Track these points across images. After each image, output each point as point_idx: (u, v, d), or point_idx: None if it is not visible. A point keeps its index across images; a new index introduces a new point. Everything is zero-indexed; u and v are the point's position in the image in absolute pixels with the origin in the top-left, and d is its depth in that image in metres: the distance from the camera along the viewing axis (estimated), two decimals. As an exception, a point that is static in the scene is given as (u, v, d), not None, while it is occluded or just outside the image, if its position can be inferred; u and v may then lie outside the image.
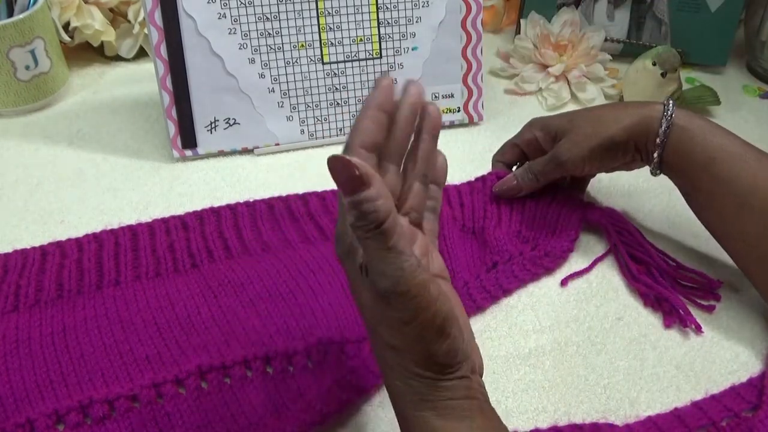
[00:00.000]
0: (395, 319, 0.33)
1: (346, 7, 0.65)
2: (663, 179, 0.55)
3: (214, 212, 0.58)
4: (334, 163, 0.31)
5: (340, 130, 0.69)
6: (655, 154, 0.52)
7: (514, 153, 0.61)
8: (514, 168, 0.62)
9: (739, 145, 0.50)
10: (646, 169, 0.54)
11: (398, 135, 0.38)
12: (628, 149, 0.53)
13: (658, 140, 0.51)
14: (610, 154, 0.54)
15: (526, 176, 0.58)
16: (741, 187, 0.49)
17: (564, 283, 0.55)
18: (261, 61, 0.64)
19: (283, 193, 0.61)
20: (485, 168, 0.63)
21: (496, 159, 0.62)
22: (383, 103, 0.36)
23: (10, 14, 0.68)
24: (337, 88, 0.67)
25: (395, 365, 0.35)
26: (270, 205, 0.59)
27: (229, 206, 0.59)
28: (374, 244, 0.32)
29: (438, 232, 0.43)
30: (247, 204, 0.59)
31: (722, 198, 0.50)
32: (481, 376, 0.39)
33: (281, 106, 0.66)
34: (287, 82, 0.66)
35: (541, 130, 0.57)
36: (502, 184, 0.59)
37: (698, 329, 0.51)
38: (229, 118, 0.65)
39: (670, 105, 0.52)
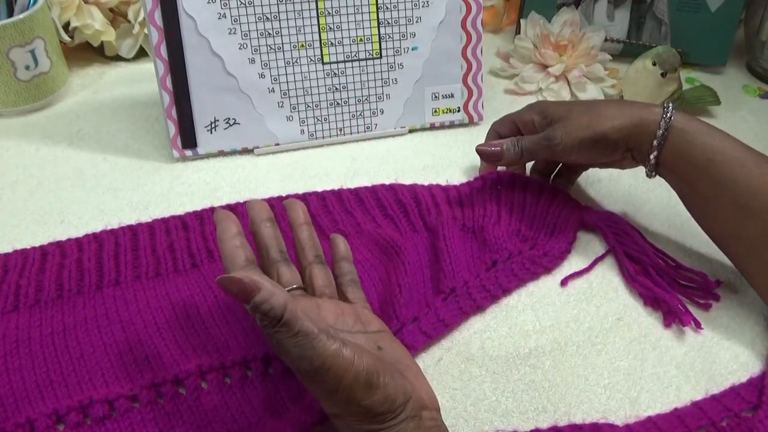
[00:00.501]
0: (325, 391, 0.36)
1: (346, 7, 0.65)
2: (663, 179, 0.55)
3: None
4: (223, 284, 0.35)
5: (340, 130, 0.69)
6: (652, 156, 0.52)
7: (511, 128, 0.61)
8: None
9: (738, 148, 0.50)
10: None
11: (267, 242, 0.46)
12: (618, 148, 0.54)
13: (654, 142, 0.52)
14: (599, 149, 0.54)
15: (512, 148, 0.58)
16: (739, 190, 0.49)
17: (564, 283, 0.55)
18: (261, 61, 0.64)
19: (283, 193, 0.61)
20: (485, 168, 0.63)
21: (493, 127, 0.63)
22: (232, 231, 0.43)
23: (10, 14, 0.68)
24: (337, 88, 0.67)
25: (343, 429, 0.38)
26: (270, 205, 0.59)
27: (229, 206, 0.59)
28: (283, 335, 0.35)
29: (365, 297, 0.47)
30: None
31: (720, 200, 0.50)
32: (438, 410, 0.40)
33: (281, 106, 0.66)
34: (287, 82, 0.66)
35: (538, 115, 0.58)
36: (486, 146, 0.59)
37: (697, 325, 0.51)
38: (229, 118, 0.65)
39: (670, 108, 0.52)
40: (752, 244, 0.49)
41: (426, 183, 0.63)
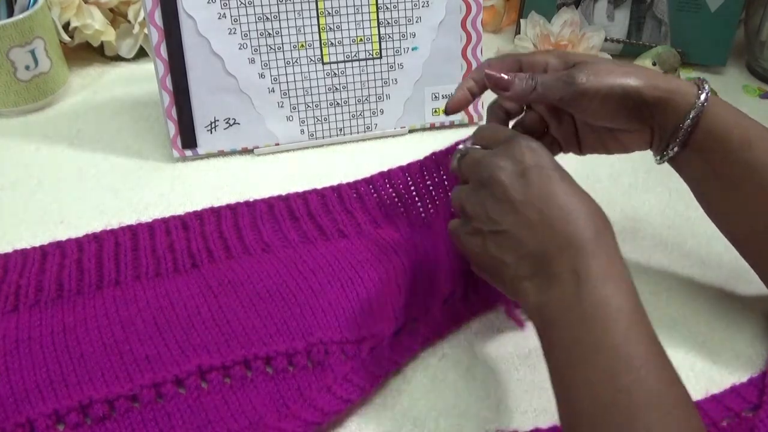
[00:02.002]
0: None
1: (346, 7, 0.65)
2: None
3: (214, 212, 0.58)
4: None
5: (340, 130, 0.69)
6: (682, 131, 0.47)
7: (512, 67, 0.51)
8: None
9: (766, 130, 0.47)
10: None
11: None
12: (645, 116, 0.47)
13: (692, 113, 0.46)
14: (626, 108, 0.47)
15: (527, 79, 0.48)
16: None
17: (564, 283, 0.54)
18: (261, 61, 0.64)
19: (283, 193, 0.61)
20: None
21: (490, 61, 0.51)
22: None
23: (10, 14, 0.68)
24: (337, 88, 0.67)
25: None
26: (270, 204, 0.59)
27: (229, 206, 0.59)
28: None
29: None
30: (247, 204, 0.59)
31: (746, 186, 0.47)
32: None
33: (281, 106, 0.66)
34: (287, 82, 0.66)
35: (557, 58, 0.50)
36: (495, 73, 0.49)
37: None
38: (229, 118, 0.65)
39: (705, 85, 0.47)
40: None
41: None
